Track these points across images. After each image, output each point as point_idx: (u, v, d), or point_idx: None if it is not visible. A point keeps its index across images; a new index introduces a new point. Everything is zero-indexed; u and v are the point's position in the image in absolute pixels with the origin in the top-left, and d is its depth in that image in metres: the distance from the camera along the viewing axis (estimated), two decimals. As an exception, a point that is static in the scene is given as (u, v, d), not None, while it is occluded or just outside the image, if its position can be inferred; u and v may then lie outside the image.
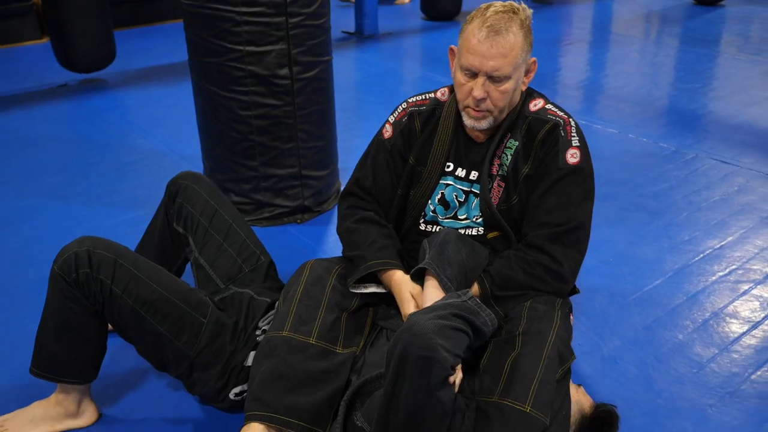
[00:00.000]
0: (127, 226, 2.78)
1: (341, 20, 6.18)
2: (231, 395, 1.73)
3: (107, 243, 1.67)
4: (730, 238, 2.67)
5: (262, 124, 2.59)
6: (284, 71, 2.53)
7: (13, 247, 2.65)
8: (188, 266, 2.09)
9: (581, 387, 1.71)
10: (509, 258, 1.70)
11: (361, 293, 1.77)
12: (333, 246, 2.62)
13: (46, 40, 5.67)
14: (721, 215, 2.85)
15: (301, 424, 1.54)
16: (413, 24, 6.36)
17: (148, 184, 3.17)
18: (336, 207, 2.91)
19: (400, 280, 1.74)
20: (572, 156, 1.69)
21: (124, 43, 5.10)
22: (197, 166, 2.97)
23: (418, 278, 1.69)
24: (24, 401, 1.80)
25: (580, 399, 1.65)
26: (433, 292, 1.60)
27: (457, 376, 1.44)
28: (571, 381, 1.65)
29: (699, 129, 3.80)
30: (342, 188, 3.04)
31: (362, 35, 5.85)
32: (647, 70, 5.04)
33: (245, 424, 1.55)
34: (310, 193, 2.79)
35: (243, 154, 2.65)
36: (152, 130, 3.83)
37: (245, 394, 1.71)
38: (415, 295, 1.70)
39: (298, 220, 2.80)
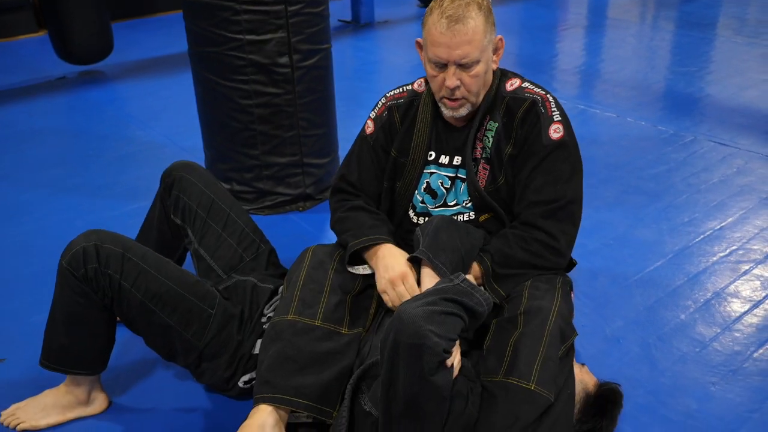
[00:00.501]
0: (128, 217, 2.79)
1: (338, 9, 6.16)
2: (240, 383, 1.75)
3: (114, 236, 1.67)
4: (729, 219, 2.69)
5: (263, 112, 2.60)
6: (284, 59, 2.54)
7: (15, 240, 2.66)
8: (188, 256, 2.10)
9: (585, 366, 1.73)
10: (506, 236, 1.71)
11: (363, 275, 1.78)
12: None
13: (42, 34, 5.66)
14: (720, 196, 2.86)
15: (310, 404, 1.56)
16: (409, 12, 6.35)
17: (149, 175, 3.17)
18: (337, 194, 2.95)
19: (388, 248, 1.74)
20: (555, 131, 1.70)
21: (121, 36, 5.08)
22: (197, 157, 2.97)
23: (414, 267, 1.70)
24: (33, 390, 1.82)
25: (584, 378, 1.67)
26: (428, 280, 1.62)
27: (455, 359, 1.46)
28: (575, 361, 1.67)
29: (697, 112, 3.81)
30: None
31: (359, 23, 5.85)
32: (644, 55, 5.04)
33: (254, 407, 1.57)
34: (312, 181, 2.80)
35: (244, 143, 2.66)
36: (151, 122, 3.83)
37: (254, 381, 1.72)
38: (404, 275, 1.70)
39: (300, 208, 2.81)
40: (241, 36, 2.47)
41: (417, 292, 1.65)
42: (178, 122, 3.79)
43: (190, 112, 3.84)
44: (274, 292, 1.86)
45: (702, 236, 2.58)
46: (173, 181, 1.95)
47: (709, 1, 6.55)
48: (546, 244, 1.68)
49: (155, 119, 3.87)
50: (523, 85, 1.76)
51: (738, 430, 1.72)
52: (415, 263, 1.70)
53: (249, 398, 1.76)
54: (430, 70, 1.68)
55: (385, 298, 1.71)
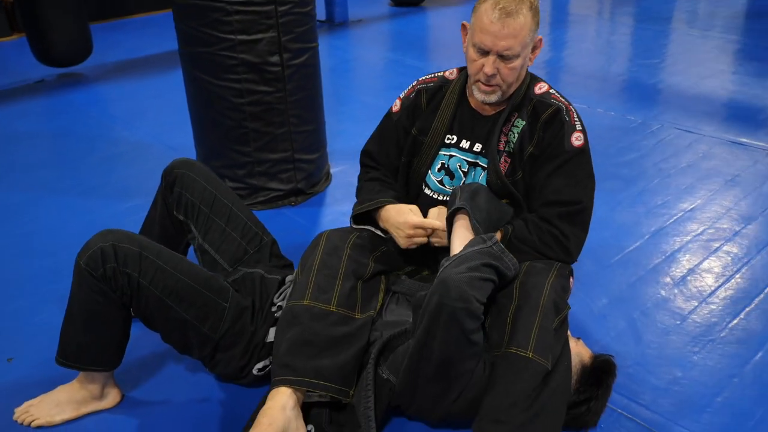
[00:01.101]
0: (123, 215, 2.79)
1: (311, 9, 6.18)
2: (254, 371, 1.77)
3: (130, 235, 1.68)
4: (699, 201, 2.79)
5: (255, 110, 2.61)
6: (275, 58, 2.56)
7: (13, 241, 2.64)
8: (190, 251, 2.11)
9: (580, 340, 1.80)
10: (527, 221, 1.80)
11: (375, 258, 1.86)
12: (327, 225, 2.63)
13: (16, 37, 5.56)
14: (689, 180, 2.97)
15: (329, 384, 1.60)
16: (381, 11, 6.38)
17: (138, 174, 3.16)
18: (327, 188, 2.99)
19: (391, 208, 1.87)
20: (577, 139, 1.78)
21: (99, 37, 5.02)
22: (185, 155, 2.94)
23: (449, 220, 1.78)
24: (42, 388, 1.81)
25: (580, 351, 1.74)
26: (462, 232, 1.69)
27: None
28: (570, 335, 1.74)
29: (661, 101, 3.93)
30: (331, 170, 3.10)
31: (333, 23, 5.86)
32: (607, 48, 5.16)
33: (272, 389, 1.60)
34: (303, 176, 2.83)
35: (237, 141, 2.67)
36: (135, 122, 3.80)
37: (268, 368, 1.76)
38: (414, 210, 1.85)
39: (293, 203, 2.84)
40: (232, 36, 2.49)
41: (433, 226, 1.80)
42: (163, 121, 3.78)
43: (175, 111, 3.85)
44: (282, 283, 1.90)
45: (675, 217, 2.68)
46: (175, 178, 1.96)
47: (665, -4, 6.72)
48: (558, 240, 1.77)
49: (140, 119, 3.85)
50: (550, 91, 1.85)
51: (720, 393, 1.81)
52: (450, 216, 1.77)
53: (262, 385, 1.81)
54: (472, 54, 1.75)
55: (418, 242, 1.84)
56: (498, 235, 1.77)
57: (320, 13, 5.98)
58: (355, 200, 2.01)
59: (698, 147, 3.29)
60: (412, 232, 1.81)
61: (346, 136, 3.51)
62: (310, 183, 2.88)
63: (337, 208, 2.82)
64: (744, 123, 3.56)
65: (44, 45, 4.30)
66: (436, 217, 1.85)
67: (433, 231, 1.82)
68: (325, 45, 5.26)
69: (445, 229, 1.78)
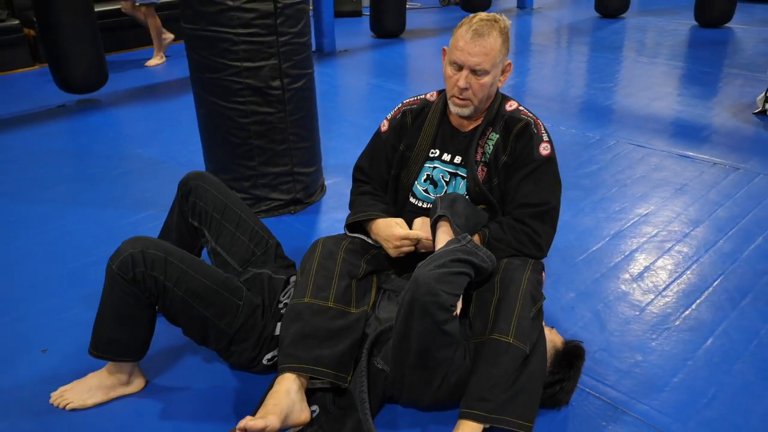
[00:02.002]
0: (138, 225, 2.78)
1: (302, 40, 6.20)
2: (264, 361, 1.79)
3: (156, 242, 1.70)
4: (652, 207, 2.84)
5: (259, 129, 2.62)
6: (276, 83, 2.57)
7: (40, 247, 2.62)
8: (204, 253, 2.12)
9: (554, 329, 1.82)
10: (501, 223, 1.82)
11: (367, 260, 1.87)
12: (323, 231, 2.68)
13: (38, 67, 5.52)
14: (643, 189, 3.01)
15: (328, 371, 1.62)
16: (365, 42, 6.41)
17: (153, 188, 3.15)
18: (322, 198, 3.00)
19: (380, 222, 1.89)
20: (544, 149, 1.82)
21: (113, 67, 5.02)
22: (196, 169, 2.98)
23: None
24: (73, 376, 1.83)
25: (553, 338, 1.76)
26: (444, 237, 1.71)
27: (458, 308, 1.57)
28: (545, 324, 1.76)
29: (616, 120, 3.98)
30: (325, 182, 3.12)
31: (323, 52, 5.88)
32: (566, 74, 5.22)
33: (279, 376, 1.62)
34: (301, 187, 2.84)
35: (243, 156, 2.68)
36: (149, 142, 3.79)
37: (276, 358, 1.77)
38: (401, 224, 1.87)
39: (292, 211, 2.85)
40: (238, 63, 2.50)
41: (418, 236, 1.82)
42: (173, 141, 3.77)
43: (183, 131, 3.85)
44: (287, 282, 1.92)
45: (632, 221, 2.72)
46: (190, 189, 1.98)
47: (616, 28, 6.81)
48: (531, 238, 1.79)
49: (152, 139, 3.84)
50: (519, 108, 1.89)
51: (676, 374, 1.84)
52: (433, 223, 1.79)
53: (270, 373, 1.81)
54: (449, 71, 1.80)
55: (405, 251, 1.86)
56: (477, 239, 1.80)
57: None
58: (349, 211, 2.02)
59: (650, 160, 3.34)
60: (399, 243, 1.83)
61: (337, 152, 3.53)
62: (308, 193, 2.89)
63: (331, 215, 2.83)
64: (690, 138, 3.63)
65: (64, 74, 4.28)
66: (420, 227, 1.87)
67: (419, 240, 1.84)
68: (315, 72, 5.28)
69: (429, 237, 1.80)
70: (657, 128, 3.79)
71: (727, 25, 6.59)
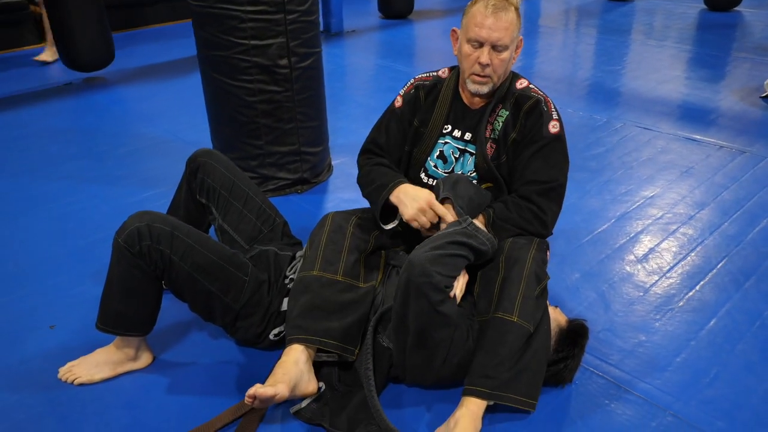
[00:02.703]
0: (147, 202, 2.79)
1: (309, 20, 6.16)
2: (270, 336, 1.79)
3: (163, 217, 1.70)
4: (658, 189, 2.83)
5: (266, 108, 2.62)
6: (284, 61, 2.56)
7: (52, 224, 2.64)
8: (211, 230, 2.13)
9: (558, 308, 1.82)
10: (507, 201, 1.81)
11: (375, 235, 1.86)
12: (329, 210, 2.62)
13: (44, 45, 5.50)
14: (649, 171, 2.99)
15: (336, 343, 1.63)
16: (373, 22, 6.36)
17: (160, 166, 3.16)
18: (329, 178, 3.00)
19: (407, 188, 1.80)
20: (553, 127, 1.81)
21: (119, 45, 4.99)
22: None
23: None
24: (81, 351, 1.84)
25: (557, 317, 1.76)
26: (448, 218, 1.71)
27: (457, 289, 1.56)
28: (549, 303, 1.77)
29: (624, 103, 3.95)
30: (332, 162, 3.11)
31: (330, 32, 5.84)
32: (575, 56, 5.18)
33: (287, 347, 1.63)
34: (308, 167, 2.84)
35: (250, 135, 2.67)
36: (155, 120, 3.79)
37: (282, 333, 1.78)
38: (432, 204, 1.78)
39: (299, 190, 2.85)
40: (246, 41, 2.49)
41: (443, 215, 1.74)
42: (180, 119, 3.76)
43: (190, 110, 3.84)
44: (293, 258, 1.92)
45: (637, 203, 2.71)
46: (198, 166, 1.97)
47: (625, 11, 6.74)
48: (536, 215, 1.79)
49: (159, 117, 3.83)
50: (530, 86, 1.88)
51: (679, 354, 1.85)
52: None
53: (277, 349, 1.82)
54: (467, 49, 1.76)
55: (414, 224, 1.78)
56: (481, 219, 1.80)
57: (319, 24, 5.99)
58: (358, 184, 1.98)
59: (656, 143, 3.32)
60: (426, 207, 1.75)
61: (344, 132, 3.52)
62: (315, 173, 2.89)
63: (338, 195, 2.83)
64: (697, 122, 3.60)
65: (71, 52, 4.26)
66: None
67: (439, 220, 1.77)
68: (323, 52, 5.26)
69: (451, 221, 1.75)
70: (664, 111, 3.77)
71: (736, 8, 6.51)
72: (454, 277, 1.57)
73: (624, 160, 3.11)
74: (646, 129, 3.50)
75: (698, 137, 3.37)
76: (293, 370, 1.56)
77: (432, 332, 1.56)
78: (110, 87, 4.46)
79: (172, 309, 1.96)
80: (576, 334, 1.73)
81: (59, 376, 1.79)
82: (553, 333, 1.71)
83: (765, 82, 4.02)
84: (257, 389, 1.44)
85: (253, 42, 2.49)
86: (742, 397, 1.69)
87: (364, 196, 1.95)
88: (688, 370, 1.79)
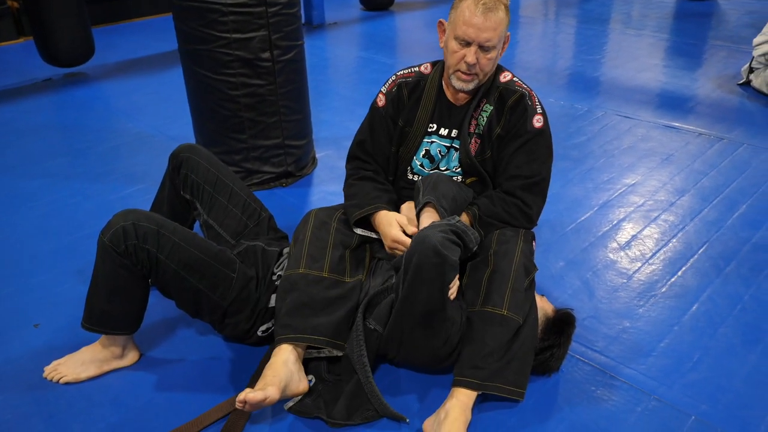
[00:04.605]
0: (131, 198, 2.74)
1: (290, 13, 6.09)
2: (259, 333, 1.78)
3: (148, 215, 1.66)
4: (639, 177, 2.84)
5: (249, 101, 2.58)
6: (266, 55, 2.53)
7: (32, 222, 2.59)
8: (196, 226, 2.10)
9: (544, 297, 1.82)
10: (491, 197, 1.81)
11: (359, 234, 1.85)
12: (315, 203, 2.66)
13: (23, 40, 5.40)
14: (630, 159, 3.01)
15: (325, 339, 1.62)
16: (354, 14, 6.31)
17: (143, 161, 3.11)
18: (313, 171, 2.97)
19: (383, 216, 1.80)
20: (537, 121, 1.79)
21: (100, 40, 4.91)
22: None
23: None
24: (65, 350, 1.81)
25: (544, 306, 1.76)
26: (428, 221, 1.69)
27: (454, 284, 1.55)
28: (536, 292, 1.77)
29: (604, 92, 3.96)
30: (316, 155, 3.08)
31: (312, 25, 5.78)
32: (554, 46, 5.18)
33: (276, 347, 1.61)
34: (292, 160, 2.81)
35: (233, 129, 2.64)
36: (137, 115, 3.73)
37: (270, 330, 1.76)
38: (401, 221, 1.77)
39: (284, 184, 2.82)
40: (228, 35, 2.45)
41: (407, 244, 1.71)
42: (162, 114, 3.71)
43: (172, 104, 3.79)
44: (280, 254, 1.89)
45: (619, 191, 2.72)
46: (181, 161, 1.93)
47: (603, 1, 6.75)
48: (521, 209, 1.78)
49: (141, 113, 3.77)
50: (514, 79, 1.85)
51: (662, 340, 1.86)
52: (418, 212, 1.75)
53: (265, 344, 1.81)
54: (454, 46, 1.73)
55: (397, 253, 1.76)
56: (466, 216, 1.79)
57: (300, 17, 5.93)
58: (346, 195, 1.93)
59: (637, 131, 3.33)
60: (391, 244, 1.77)
61: (328, 125, 3.49)
62: (299, 166, 2.86)
63: (322, 188, 2.81)
64: (676, 109, 3.62)
65: (50, 47, 4.17)
66: (407, 211, 1.83)
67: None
68: (305, 45, 5.22)
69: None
70: (644, 99, 3.78)
71: (712, -3, 6.56)
72: (457, 262, 1.56)
73: (605, 149, 3.12)
74: (626, 117, 3.51)
75: (677, 125, 3.39)
76: (283, 371, 1.55)
77: (439, 311, 1.54)
78: (91, 82, 4.39)
79: (158, 306, 1.93)
80: (563, 323, 1.73)
81: (45, 375, 1.76)
82: (540, 322, 1.71)
83: (742, 69, 4.05)
84: (247, 394, 1.42)
85: (234, 35, 2.45)
86: (725, 380, 1.71)
87: (344, 208, 1.91)
88: (672, 355, 1.80)
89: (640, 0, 6.74)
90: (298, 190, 2.80)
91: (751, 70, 3.91)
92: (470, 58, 1.70)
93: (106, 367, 1.78)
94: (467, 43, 1.70)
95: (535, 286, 1.74)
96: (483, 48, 1.70)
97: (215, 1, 2.39)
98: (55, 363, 1.78)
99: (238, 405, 1.43)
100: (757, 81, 3.84)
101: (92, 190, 2.83)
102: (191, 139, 2.93)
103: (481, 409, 1.62)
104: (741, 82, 3.97)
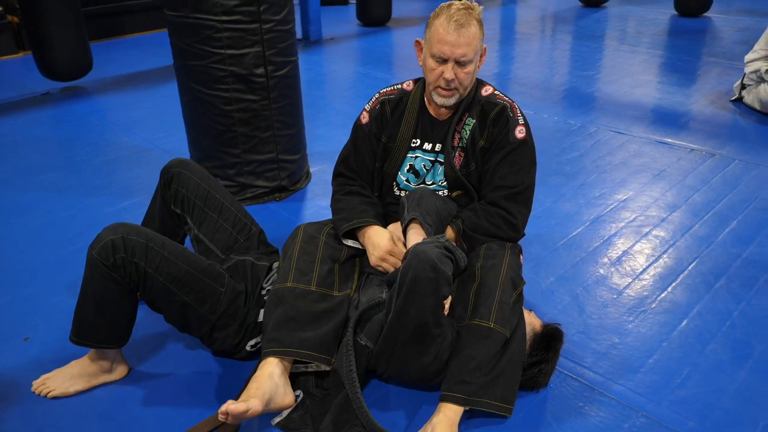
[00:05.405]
0: (125, 212, 2.75)
1: (288, 28, 6.14)
2: (247, 347, 1.77)
3: (137, 229, 1.66)
4: (631, 192, 2.84)
5: (243, 116, 2.59)
6: (260, 70, 2.54)
7: (25, 234, 2.59)
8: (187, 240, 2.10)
9: (532, 312, 1.82)
10: (476, 209, 1.81)
11: (348, 246, 1.85)
12: (308, 218, 2.66)
13: (22, 55, 5.43)
14: (622, 175, 3.01)
15: (311, 353, 1.61)
16: (351, 30, 6.36)
17: (138, 175, 3.12)
18: (307, 185, 2.98)
19: (374, 230, 1.81)
20: (519, 132, 1.81)
21: (98, 54, 4.94)
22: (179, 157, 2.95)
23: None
24: (55, 364, 1.80)
25: (532, 321, 1.77)
26: (414, 237, 1.69)
27: (447, 300, 1.55)
28: (524, 307, 1.77)
29: (597, 107, 3.97)
30: (310, 169, 3.09)
31: (309, 40, 5.82)
32: (550, 62, 5.21)
33: (262, 360, 1.60)
34: (286, 175, 2.82)
35: (227, 144, 2.65)
36: (133, 129, 3.74)
37: (259, 344, 1.75)
38: (395, 233, 1.78)
39: (277, 198, 2.83)
40: (222, 51, 2.47)
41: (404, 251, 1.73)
42: (158, 128, 3.72)
43: (168, 118, 3.81)
44: (270, 269, 1.89)
45: (611, 207, 2.72)
46: (172, 176, 1.94)
47: (598, 17, 6.81)
48: (506, 219, 1.79)
49: (137, 126, 3.78)
50: (495, 92, 1.87)
51: (651, 356, 1.85)
52: (404, 228, 1.76)
53: (254, 359, 1.80)
54: (431, 64, 1.75)
55: (380, 270, 1.78)
56: (451, 231, 1.79)
57: (297, 32, 5.94)
58: (334, 210, 1.94)
59: (630, 146, 3.34)
60: (385, 255, 1.77)
61: (323, 140, 3.50)
62: (293, 181, 2.87)
63: (316, 202, 2.82)
64: (668, 125, 3.63)
65: (49, 61, 4.20)
66: (393, 230, 1.83)
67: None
68: (301, 60, 5.19)
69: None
70: (637, 115, 3.80)
71: (705, 14, 6.61)
72: (453, 278, 1.56)
73: (598, 164, 3.13)
74: (619, 133, 3.52)
75: (670, 140, 3.40)
76: (267, 384, 1.54)
77: (432, 328, 1.54)
78: (88, 96, 4.40)
79: (148, 320, 1.92)
80: (551, 338, 1.73)
81: (33, 389, 1.75)
82: (528, 337, 1.71)
83: (734, 86, 4.07)
84: (229, 405, 1.42)
85: (229, 51, 2.47)
86: (713, 396, 1.70)
87: (333, 222, 1.91)
88: (660, 371, 1.79)
89: (634, 16, 6.80)
90: (291, 204, 2.81)
91: (743, 87, 3.94)
92: (448, 74, 1.72)
93: (95, 381, 1.77)
94: (444, 60, 1.72)
95: (523, 301, 1.74)
96: (459, 63, 1.72)
97: (210, 18, 2.40)
98: (43, 377, 1.76)
99: (220, 417, 1.43)
100: (749, 97, 3.86)
101: (87, 204, 2.84)
102: (186, 154, 2.94)
103: (468, 425, 1.61)
104: (733, 98, 3.99)
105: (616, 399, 1.70)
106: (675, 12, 6.71)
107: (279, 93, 2.63)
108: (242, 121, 2.60)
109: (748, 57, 3.86)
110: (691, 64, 4.91)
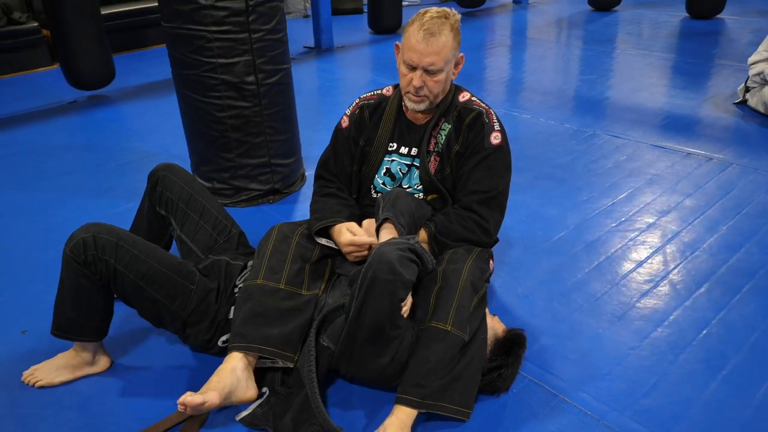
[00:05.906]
0: (129, 213, 2.70)
1: (302, 36, 6.12)
2: (219, 343, 1.76)
3: (110, 228, 1.68)
4: (620, 197, 2.73)
5: (235, 123, 2.58)
6: (251, 78, 2.52)
7: (35, 235, 2.62)
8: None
9: (496, 316, 1.76)
10: (448, 213, 1.77)
11: (321, 244, 1.82)
12: (299, 219, 2.60)
13: (56, 66, 5.53)
14: (613, 179, 2.90)
15: (274, 350, 1.59)
16: (362, 37, 6.31)
17: (144, 179, 3.06)
18: (301, 188, 2.95)
19: (338, 227, 1.78)
20: (495, 138, 1.76)
21: (124, 65, 5.01)
22: (184, 162, 2.94)
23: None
24: (50, 355, 1.83)
25: (494, 325, 1.70)
26: (387, 237, 1.66)
27: (408, 301, 1.50)
28: (488, 311, 1.70)
29: (596, 111, 3.85)
30: (306, 172, 3.06)
31: (320, 48, 5.78)
32: (557, 67, 5.08)
33: (228, 354, 1.60)
34: (279, 178, 2.79)
35: (221, 149, 2.63)
36: (147, 135, 3.77)
37: None
38: (351, 228, 1.75)
39: (270, 201, 2.80)
40: (213, 60, 2.45)
41: (364, 242, 1.71)
42: (169, 134, 3.73)
43: (178, 124, 3.80)
44: (244, 267, 1.88)
45: (597, 211, 2.62)
46: (157, 179, 1.96)
47: (609, 21, 6.62)
48: (479, 223, 1.74)
49: (151, 132, 3.81)
50: (472, 98, 1.83)
51: (621, 363, 1.77)
52: (377, 227, 1.73)
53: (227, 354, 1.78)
54: (403, 70, 1.72)
55: (352, 258, 1.76)
56: (424, 233, 1.74)
57: (309, 41, 5.95)
58: (311, 211, 1.92)
59: (624, 150, 3.22)
60: (346, 249, 1.75)
61: (322, 144, 3.43)
62: (286, 184, 2.84)
63: (308, 204, 2.71)
64: (668, 129, 3.49)
65: (73, 72, 4.27)
66: (368, 227, 1.80)
67: (370, 246, 1.74)
68: (313, 68, 5.23)
69: (377, 243, 1.71)
70: (635, 119, 3.66)
71: (718, 16, 6.37)
72: (413, 282, 1.52)
73: (589, 168, 3.02)
74: (615, 137, 3.40)
75: (666, 145, 3.27)
76: (229, 378, 1.53)
77: (388, 330, 1.50)
78: (111, 104, 4.46)
79: (132, 316, 1.92)
80: (512, 342, 1.66)
81: (23, 378, 1.79)
82: (489, 342, 1.65)
83: (738, 88, 3.90)
84: (186, 397, 1.43)
85: (220, 60, 2.45)
86: (680, 408, 1.61)
87: (308, 222, 1.89)
88: (628, 380, 1.70)
89: (645, 20, 6.59)
90: (284, 206, 2.78)
91: (747, 89, 3.76)
92: (416, 81, 1.68)
93: (79, 373, 1.80)
94: (413, 68, 1.68)
95: (485, 305, 1.67)
96: (428, 72, 1.67)
97: (201, 29, 2.39)
98: (32, 368, 1.80)
99: (180, 407, 1.45)
100: (753, 100, 3.69)
101: (95, 206, 2.86)
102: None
103: (425, 428, 1.56)
104: (737, 101, 3.82)
105: (578, 407, 1.62)
106: (687, 14, 6.48)
107: (270, 100, 2.60)
108: (235, 127, 2.58)
109: (752, 59, 3.69)
110: (698, 67, 4.73)
